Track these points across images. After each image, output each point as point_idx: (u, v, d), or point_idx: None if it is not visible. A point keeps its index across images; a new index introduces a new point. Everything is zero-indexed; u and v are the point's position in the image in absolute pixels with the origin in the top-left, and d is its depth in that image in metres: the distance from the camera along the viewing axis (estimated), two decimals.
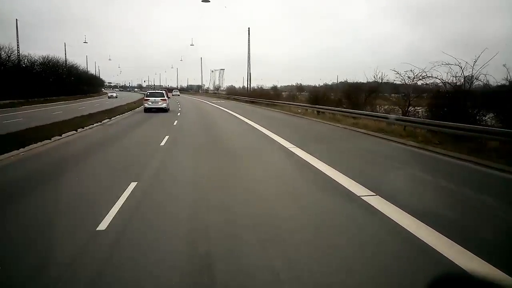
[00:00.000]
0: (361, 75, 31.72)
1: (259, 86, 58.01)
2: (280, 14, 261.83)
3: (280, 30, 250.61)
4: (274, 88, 57.95)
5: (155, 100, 27.52)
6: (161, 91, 31.17)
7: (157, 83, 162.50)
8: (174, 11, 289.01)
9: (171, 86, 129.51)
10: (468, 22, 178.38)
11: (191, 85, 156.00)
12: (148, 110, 26.89)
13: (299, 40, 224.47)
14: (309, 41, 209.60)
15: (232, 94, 57.43)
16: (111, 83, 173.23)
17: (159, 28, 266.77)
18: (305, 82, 69.71)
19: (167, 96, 30.01)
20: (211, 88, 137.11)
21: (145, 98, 28.61)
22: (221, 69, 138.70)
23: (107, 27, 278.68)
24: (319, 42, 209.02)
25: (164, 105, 27.33)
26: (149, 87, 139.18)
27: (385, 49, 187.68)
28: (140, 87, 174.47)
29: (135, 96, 69.37)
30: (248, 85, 50.49)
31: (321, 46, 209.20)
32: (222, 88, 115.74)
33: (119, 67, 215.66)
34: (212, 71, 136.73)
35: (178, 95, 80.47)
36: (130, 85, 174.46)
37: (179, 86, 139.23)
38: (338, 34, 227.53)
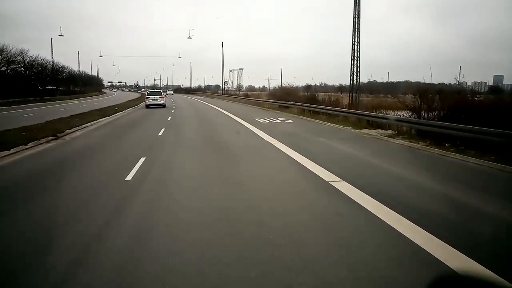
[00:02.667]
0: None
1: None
2: (293, 13, 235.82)
3: (293, 30, 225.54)
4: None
5: (154, 98, 30.82)
6: (159, 90, 36.34)
7: (171, 83, 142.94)
8: (186, 12, 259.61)
9: (185, 86, 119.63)
10: (491, 20, 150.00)
11: (209, 84, 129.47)
12: (148, 106, 30.31)
13: (313, 39, 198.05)
14: (323, 40, 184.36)
15: (296, 100, 26.42)
16: (121, 82, 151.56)
17: (172, 28, 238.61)
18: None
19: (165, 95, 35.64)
20: (230, 87, 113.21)
21: (146, 96, 32.79)
22: (239, 69, 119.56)
23: (119, 26, 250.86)
24: (336, 41, 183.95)
25: (162, 102, 30.58)
26: (165, 87, 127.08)
27: (404, 48, 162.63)
28: (153, 87, 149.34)
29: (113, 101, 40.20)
30: (354, 82, 20.52)
31: (337, 45, 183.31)
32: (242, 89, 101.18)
33: (116, 66, 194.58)
34: (231, 71, 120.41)
35: (172, 94, 78.17)
36: (137, 84, 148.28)
37: (196, 86, 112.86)
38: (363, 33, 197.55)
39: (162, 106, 30.21)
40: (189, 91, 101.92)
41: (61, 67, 56.87)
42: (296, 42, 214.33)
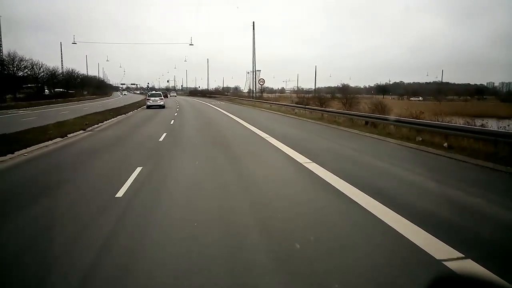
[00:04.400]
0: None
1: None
2: (312, 14, 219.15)
3: (312, 30, 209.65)
4: None
5: (154, 99, 31.66)
6: (159, 93, 36.64)
7: (185, 84, 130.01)
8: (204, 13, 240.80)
9: (202, 87, 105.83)
10: None
11: (227, 86, 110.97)
12: (149, 107, 30.82)
13: (333, 40, 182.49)
14: (344, 41, 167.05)
15: None
16: (134, 84, 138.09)
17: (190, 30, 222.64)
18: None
19: (164, 96, 37.18)
20: (252, 89, 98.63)
21: (147, 98, 33.39)
22: (257, 70, 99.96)
23: (133, 28, 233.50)
24: (355, 42, 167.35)
25: (161, 103, 31.43)
26: (179, 89, 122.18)
27: (428, 48, 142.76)
28: (167, 88, 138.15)
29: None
30: None
31: (357, 46, 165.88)
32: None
33: (129, 68, 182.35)
34: (248, 72, 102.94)
35: (175, 95, 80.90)
36: (152, 86, 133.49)
37: (214, 87, 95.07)
38: (375, 33, 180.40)
39: (162, 107, 31.10)
40: (205, 93, 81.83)
41: (19, 59, 37.49)
42: (311, 43, 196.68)
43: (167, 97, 77.75)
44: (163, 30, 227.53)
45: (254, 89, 44.28)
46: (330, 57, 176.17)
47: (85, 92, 72.66)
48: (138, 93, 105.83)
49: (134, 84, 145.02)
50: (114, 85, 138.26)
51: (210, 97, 72.18)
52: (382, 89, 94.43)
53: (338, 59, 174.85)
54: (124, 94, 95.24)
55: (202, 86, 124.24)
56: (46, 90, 78.00)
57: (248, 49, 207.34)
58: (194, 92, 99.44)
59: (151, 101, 31.30)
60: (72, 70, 62.07)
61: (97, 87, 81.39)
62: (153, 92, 40.48)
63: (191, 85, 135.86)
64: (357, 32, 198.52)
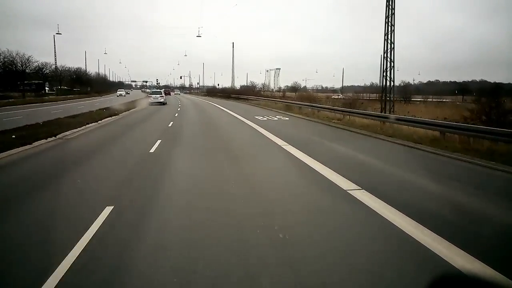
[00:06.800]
0: None
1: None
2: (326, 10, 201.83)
3: (327, 28, 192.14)
4: None
5: (156, 96, 34.46)
6: (160, 91, 40.13)
7: (202, 82, 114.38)
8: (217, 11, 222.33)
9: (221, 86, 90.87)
10: None
11: (252, 84, 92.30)
12: (151, 104, 32.70)
13: (350, 37, 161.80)
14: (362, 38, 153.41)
15: None
16: (146, 81, 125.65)
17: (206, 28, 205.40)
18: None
19: (165, 94, 39.51)
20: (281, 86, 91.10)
21: (149, 95, 37.46)
22: (276, 69, 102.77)
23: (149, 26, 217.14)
24: (373, 38, 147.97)
25: (162, 100, 33.82)
26: (203, 87, 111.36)
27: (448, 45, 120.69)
28: (182, 87, 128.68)
29: None
30: None
31: (372, 42, 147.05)
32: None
33: (125, 67, 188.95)
34: (267, 71, 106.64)
35: (179, 93, 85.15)
36: (159, 83, 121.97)
37: (233, 86, 74.16)
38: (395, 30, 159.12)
39: (163, 103, 32.91)
40: (230, 93, 61.40)
41: None
42: (330, 41, 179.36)
43: (170, 95, 64.09)
44: (176, 24, 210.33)
45: (387, 88, 17.28)
46: (350, 56, 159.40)
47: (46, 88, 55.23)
48: (148, 91, 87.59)
49: (146, 82, 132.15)
50: (126, 83, 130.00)
51: (237, 98, 52.03)
52: (460, 89, 69.94)
53: (354, 56, 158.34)
54: (120, 94, 64.59)
55: (222, 84, 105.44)
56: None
57: (263, 48, 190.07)
58: (213, 91, 79.66)
59: (152, 98, 34.20)
60: (16, 54, 43.38)
61: (79, 82, 62.38)
62: (154, 90, 43.51)
63: (208, 83, 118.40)
64: (357, 30, 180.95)
